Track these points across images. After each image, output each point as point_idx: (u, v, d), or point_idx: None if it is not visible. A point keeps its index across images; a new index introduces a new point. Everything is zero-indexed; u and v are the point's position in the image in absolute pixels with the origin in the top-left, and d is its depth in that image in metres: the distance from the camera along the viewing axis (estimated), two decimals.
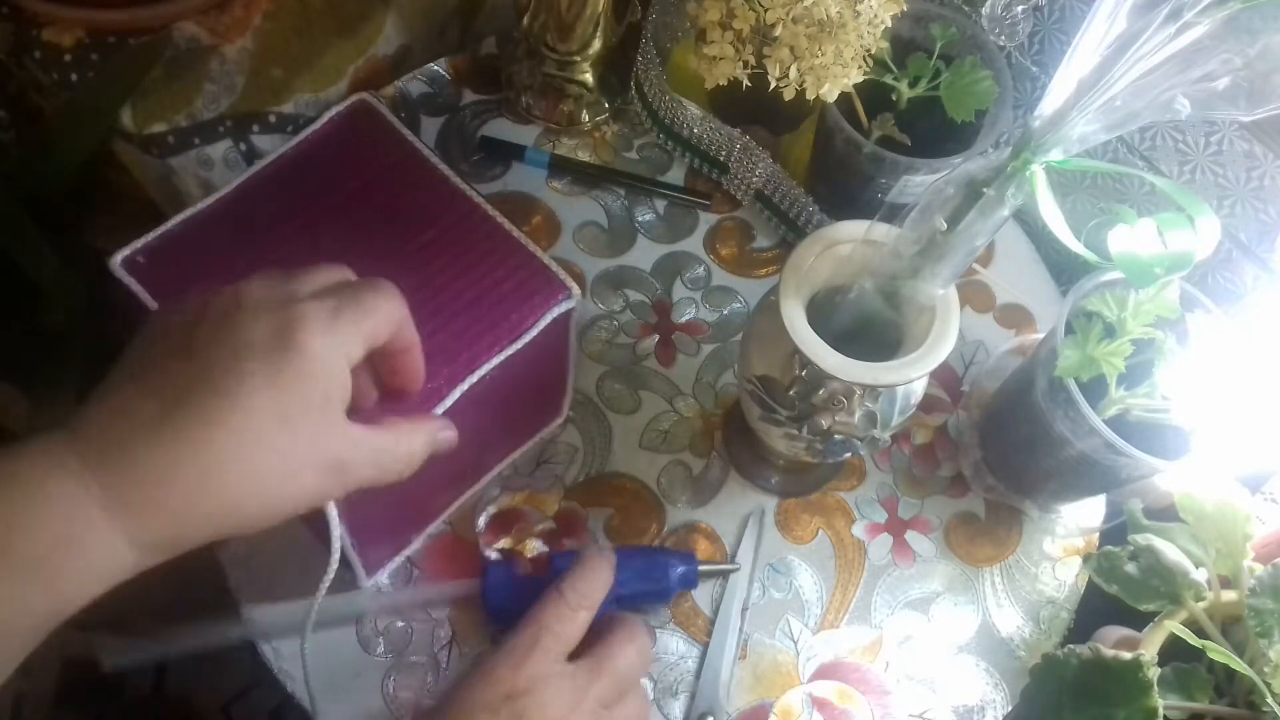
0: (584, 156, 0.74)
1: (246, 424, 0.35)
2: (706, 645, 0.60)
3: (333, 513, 0.43)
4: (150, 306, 0.49)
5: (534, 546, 0.61)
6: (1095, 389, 0.54)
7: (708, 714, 0.57)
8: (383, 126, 0.56)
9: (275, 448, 0.36)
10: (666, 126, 0.73)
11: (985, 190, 0.43)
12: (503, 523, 0.61)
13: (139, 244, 0.51)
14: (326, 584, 0.44)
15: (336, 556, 0.43)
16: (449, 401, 0.48)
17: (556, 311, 0.52)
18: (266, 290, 0.39)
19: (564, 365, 0.59)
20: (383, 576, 0.59)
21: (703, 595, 0.61)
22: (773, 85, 0.52)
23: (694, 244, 0.72)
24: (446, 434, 0.46)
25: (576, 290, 0.52)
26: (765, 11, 0.51)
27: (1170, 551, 0.56)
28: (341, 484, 0.39)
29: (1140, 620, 0.57)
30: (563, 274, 0.52)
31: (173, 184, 0.68)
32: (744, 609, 0.61)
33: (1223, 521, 0.56)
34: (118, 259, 0.50)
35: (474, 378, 0.49)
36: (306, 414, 0.37)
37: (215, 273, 0.50)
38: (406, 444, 0.42)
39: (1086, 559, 0.64)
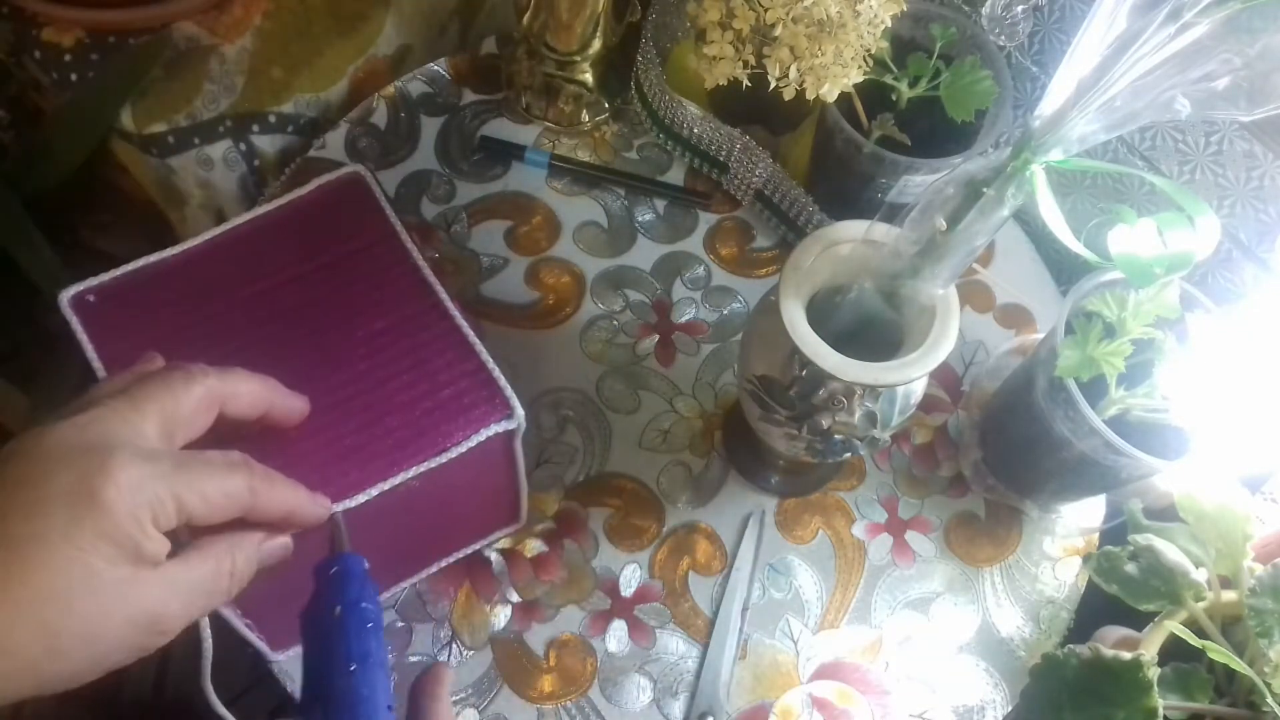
0: (584, 156, 0.74)
1: (48, 584, 0.33)
2: (706, 645, 0.60)
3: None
4: (88, 348, 0.47)
5: (534, 546, 0.61)
6: (1095, 389, 0.53)
7: (708, 714, 0.57)
8: (369, 203, 0.53)
9: (78, 609, 0.34)
10: (666, 126, 0.73)
11: (985, 190, 0.43)
12: None
13: (93, 282, 0.48)
14: (207, 663, 0.43)
15: (208, 644, 0.42)
16: (351, 504, 0.45)
17: (490, 432, 0.48)
18: (77, 429, 0.36)
19: (512, 478, 0.55)
20: (292, 652, 0.56)
21: (703, 595, 0.61)
22: (772, 85, 0.52)
23: (694, 244, 0.72)
24: (272, 546, 0.42)
25: (520, 412, 0.48)
26: (765, 11, 0.51)
27: (1170, 551, 0.56)
28: (158, 634, 0.36)
29: (1140, 620, 0.57)
30: (509, 392, 0.48)
31: (173, 184, 0.68)
32: (744, 609, 0.61)
33: (1223, 521, 0.56)
34: (67, 295, 0.48)
35: (385, 485, 0.46)
36: (114, 568, 0.34)
37: (161, 326, 0.48)
38: (225, 567, 0.39)
39: (1086, 559, 0.64)
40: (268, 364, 0.46)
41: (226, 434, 0.41)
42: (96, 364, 0.47)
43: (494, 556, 0.61)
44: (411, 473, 0.46)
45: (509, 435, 0.49)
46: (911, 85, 0.60)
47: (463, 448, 0.47)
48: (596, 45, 0.72)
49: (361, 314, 0.50)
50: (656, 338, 0.68)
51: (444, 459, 0.47)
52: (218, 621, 0.44)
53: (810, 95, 0.52)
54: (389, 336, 0.49)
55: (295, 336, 0.49)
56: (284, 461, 0.45)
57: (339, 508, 0.45)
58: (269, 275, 0.50)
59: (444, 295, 0.51)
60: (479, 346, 0.50)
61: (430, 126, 0.74)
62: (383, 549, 0.52)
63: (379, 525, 0.47)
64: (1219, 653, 0.52)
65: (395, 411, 0.47)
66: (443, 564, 0.59)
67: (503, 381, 0.49)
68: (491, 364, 0.49)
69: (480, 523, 0.59)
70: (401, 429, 0.47)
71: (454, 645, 0.58)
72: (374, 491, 0.46)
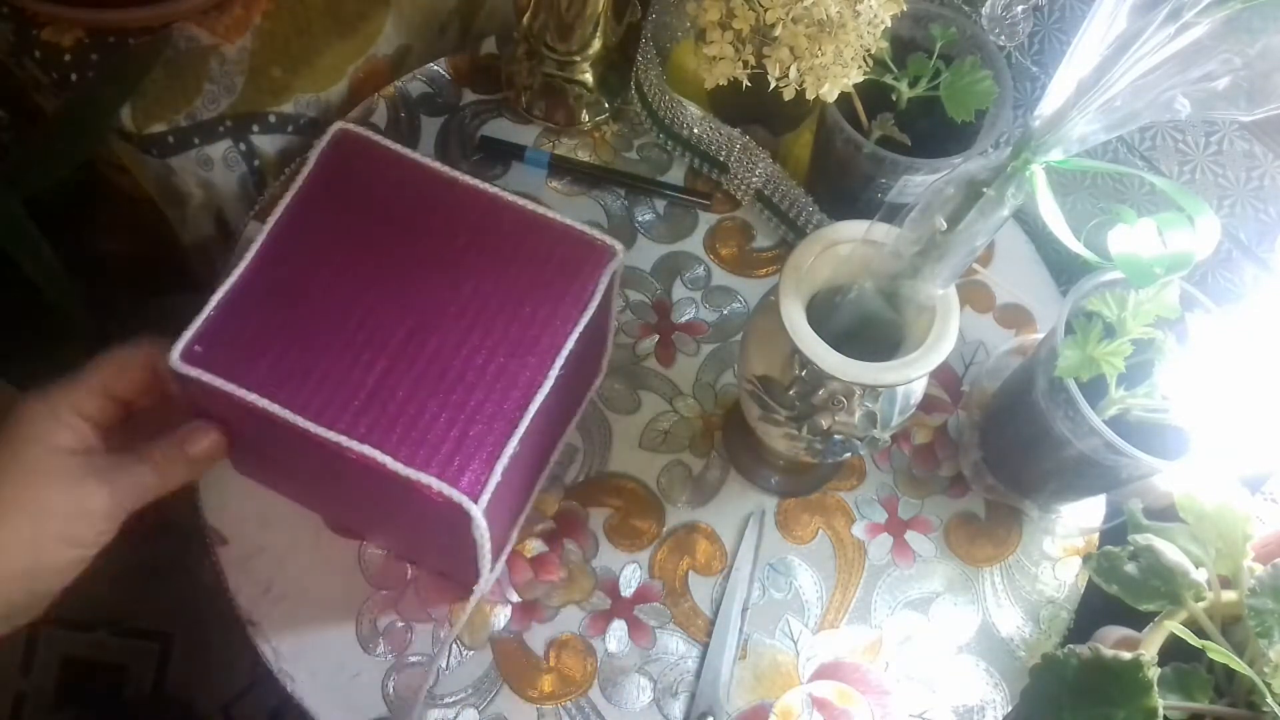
0: (584, 156, 0.74)
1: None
2: (706, 645, 0.60)
3: (481, 527, 0.47)
4: (232, 390, 0.47)
5: (534, 546, 0.61)
6: (1095, 389, 0.53)
7: (707, 714, 0.57)
8: (373, 149, 0.55)
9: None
10: (666, 126, 0.73)
11: (985, 190, 0.43)
12: None
13: (187, 335, 0.48)
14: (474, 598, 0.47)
15: (486, 563, 0.48)
16: (546, 389, 0.49)
17: (609, 271, 0.52)
18: None
19: (609, 322, 0.59)
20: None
21: (703, 595, 0.61)
22: (772, 85, 0.52)
23: (694, 244, 0.72)
24: (199, 448, 0.50)
25: (619, 246, 0.52)
26: (765, 11, 0.51)
27: (1170, 551, 0.56)
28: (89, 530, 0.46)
29: (1140, 620, 0.57)
30: (598, 234, 0.52)
31: (172, 184, 0.68)
32: (744, 609, 0.61)
33: (1222, 521, 0.56)
34: (174, 355, 0.48)
35: (560, 359, 0.50)
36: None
37: (280, 339, 0.49)
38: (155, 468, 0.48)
39: (1086, 559, 0.64)
40: (398, 316, 0.50)
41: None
42: (249, 396, 0.47)
43: None
44: (574, 336, 0.50)
45: (616, 272, 0.53)
46: (911, 85, 0.60)
47: (598, 296, 0.51)
48: (596, 45, 0.72)
49: (438, 242, 0.52)
50: (656, 338, 0.68)
51: (590, 312, 0.51)
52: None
53: (810, 95, 0.52)
54: (475, 247, 0.52)
55: (401, 285, 0.51)
56: (465, 386, 0.49)
57: (538, 398, 0.49)
58: (335, 250, 0.52)
59: (491, 189, 0.53)
60: (552, 214, 0.53)
61: (430, 126, 0.74)
62: (539, 440, 0.56)
63: (547, 411, 0.50)
64: (1219, 653, 0.52)
65: (526, 298, 0.51)
66: (561, 445, 0.63)
67: (591, 230, 0.52)
68: (572, 221, 0.52)
69: (583, 382, 0.63)
70: (541, 308, 0.51)
71: (454, 645, 0.58)
72: (555, 370, 0.49)
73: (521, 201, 0.53)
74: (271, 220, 0.52)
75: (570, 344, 0.50)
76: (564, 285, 0.51)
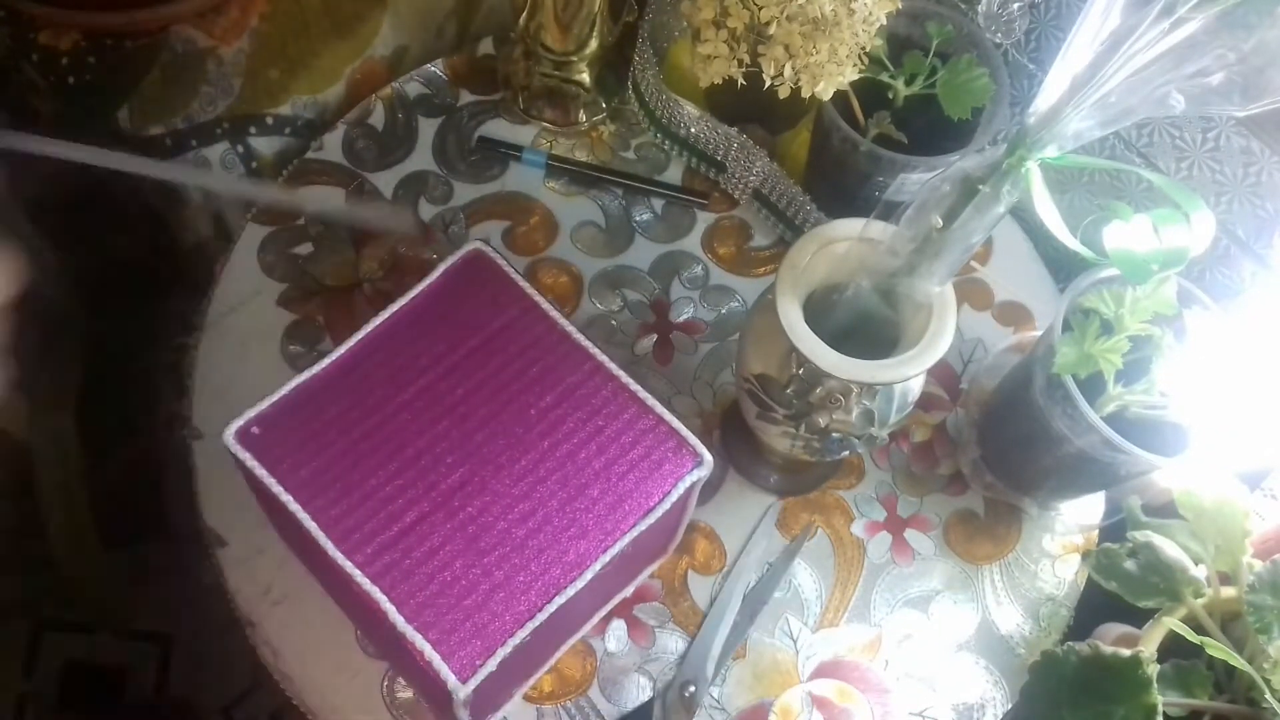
0: (581, 156, 0.74)
1: None
2: (704, 617, 0.60)
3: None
4: (268, 480, 0.46)
5: None
6: (1093, 386, 0.53)
7: (690, 683, 0.57)
8: (499, 278, 0.52)
9: None
10: (664, 126, 0.73)
11: (981, 187, 0.43)
12: None
13: (251, 414, 0.47)
14: None
15: None
16: (581, 583, 0.46)
17: (688, 482, 0.49)
18: None
19: (681, 519, 0.56)
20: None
21: (702, 595, 0.61)
22: (767, 84, 0.52)
23: (691, 243, 0.72)
24: None
25: (708, 457, 0.49)
26: (759, 9, 0.51)
27: (1169, 548, 0.56)
28: None
29: (1140, 617, 0.57)
30: (693, 439, 0.49)
31: (170, 186, 0.69)
32: (745, 594, 0.60)
33: (1221, 518, 0.56)
34: (230, 432, 0.47)
35: (607, 557, 0.47)
36: None
37: (334, 443, 0.47)
38: None
39: (1086, 556, 0.64)
40: (455, 462, 0.47)
41: None
42: (283, 495, 0.46)
43: None
44: (627, 539, 0.47)
45: (697, 482, 0.50)
46: (908, 83, 0.60)
47: (667, 503, 0.48)
48: (593, 45, 0.72)
49: (527, 393, 0.50)
50: (654, 337, 0.68)
51: (653, 518, 0.48)
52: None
53: (805, 94, 0.52)
54: (562, 409, 0.49)
55: (471, 429, 0.48)
56: (500, 554, 0.46)
57: (570, 591, 0.46)
58: (423, 372, 0.50)
59: (600, 355, 0.51)
60: (651, 400, 0.50)
61: (428, 127, 0.74)
62: (573, 614, 0.53)
63: (582, 597, 0.47)
64: (1218, 649, 0.52)
65: (593, 482, 0.48)
66: (604, 611, 0.59)
67: (685, 430, 0.49)
68: (669, 415, 0.49)
69: (642, 562, 0.59)
70: (606, 497, 0.48)
71: None
72: (598, 566, 0.46)
73: (625, 378, 0.50)
74: (378, 319, 0.51)
75: (621, 544, 0.47)
76: (637, 479, 0.48)
